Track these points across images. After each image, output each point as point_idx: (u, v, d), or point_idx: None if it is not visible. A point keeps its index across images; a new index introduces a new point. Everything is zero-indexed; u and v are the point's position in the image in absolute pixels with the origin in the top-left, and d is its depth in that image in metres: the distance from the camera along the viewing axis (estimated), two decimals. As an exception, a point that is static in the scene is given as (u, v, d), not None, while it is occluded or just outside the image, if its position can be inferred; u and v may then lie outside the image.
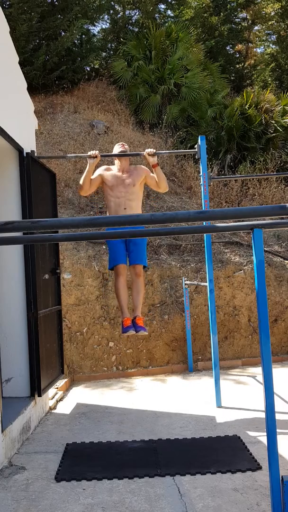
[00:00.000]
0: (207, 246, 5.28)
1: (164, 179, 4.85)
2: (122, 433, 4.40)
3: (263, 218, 5.49)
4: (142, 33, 12.13)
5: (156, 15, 13.84)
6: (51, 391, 5.59)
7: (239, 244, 8.04)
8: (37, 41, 10.97)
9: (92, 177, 4.82)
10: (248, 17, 15.12)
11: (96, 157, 4.79)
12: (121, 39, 12.60)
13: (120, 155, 4.85)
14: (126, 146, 5.00)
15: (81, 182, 4.80)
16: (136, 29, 13.00)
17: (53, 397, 5.50)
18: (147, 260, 4.95)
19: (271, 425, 2.42)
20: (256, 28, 15.65)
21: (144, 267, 4.87)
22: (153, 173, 4.87)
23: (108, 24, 13.44)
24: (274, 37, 15.85)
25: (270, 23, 15.20)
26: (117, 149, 4.94)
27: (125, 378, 6.57)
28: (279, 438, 2.55)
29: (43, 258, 4.94)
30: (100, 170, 4.89)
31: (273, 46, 15.90)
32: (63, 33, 11.12)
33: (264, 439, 3.98)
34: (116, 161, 4.89)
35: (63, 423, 4.76)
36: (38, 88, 10.90)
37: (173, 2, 14.25)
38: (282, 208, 2.35)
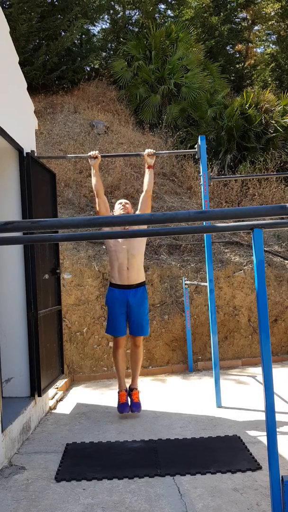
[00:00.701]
0: (207, 246, 5.28)
1: (152, 181, 4.91)
2: (122, 433, 4.40)
3: (263, 218, 5.50)
4: (142, 33, 12.13)
5: (156, 15, 13.84)
6: (51, 391, 5.59)
7: (239, 244, 8.04)
8: (37, 41, 10.97)
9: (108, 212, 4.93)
10: (248, 17, 15.13)
11: (96, 157, 4.84)
12: (121, 39, 12.60)
13: (120, 156, 4.89)
14: (128, 206, 4.94)
15: (93, 187, 4.88)
16: (136, 29, 13.01)
17: (53, 397, 5.50)
18: (149, 325, 5.01)
19: (271, 425, 2.42)
20: (256, 28, 15.66)
21: (147, 334, 4.99)
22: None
23: (108, 24, 13.45)
24: (274, 37, 15.86)
25: (270, 23, 15.21)
26: (117, 208, 4.92)
27: (125, 378, 6.55)
28: (279, 438, 2.55)
29: (43, 258, 4.94)
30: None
31: (273, 46, 15.91)
32: (63, 33, 11.12)
33: (264, 439, 3.98)
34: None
35: (63, 423, 4.76)
36: (38, 88, 10.90)
37: (173, 2, 14.25)
38: (282, 208, 2.35)
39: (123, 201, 4.98)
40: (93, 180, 4.83)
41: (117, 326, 4.82)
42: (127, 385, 5.08)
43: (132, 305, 4.80)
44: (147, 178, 4.87)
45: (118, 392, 4.91)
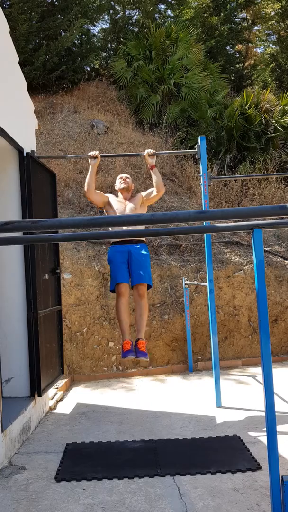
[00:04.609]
0: (207, 246, 5.28)
1: (161, 180, 4.91)
2: (122, 433, 4.40)
3: (263, 218, 5.50)
4: (142, 33, 12.13)
5: (156, 15, 13.83)
6: (51, 391, 5.60)
7: (239, 244, 8.04)
8: (37, 41, 10.96)
9: (103, 194, 4.97)
10: (248, 17, 15.12)
11: (96, 157, 4.84)
12: (121, 39, 12.60)
13: (120, 156, 4.89)
14: (128, 180, 5.02)
15: (85, 184, 4.85)
16: (136, 29, 12.99)
17: (53, 397, 5.50)
18: (151, 278, 4.82)
19: (271, 425, 2.42)
20: (256, 28, 15.64)
21: (149, 287, 4.73)
22: (152, 173, 4.91)
23: (108, 24, 13.44)
24: (274, 37, 15.85)
25: (270, 23, 15.19)
26: (118, 183, 5.01)
27: (125, 378, 6.57)
28: (279, 438, 2.55)
29: (43, 258, 4.94)
30: (109, 194, 5.06)
31: (273, 46, 15.90)
32: (63, 33, 11.12)
33: (264, 439, 3.98)
34: (119, 194, 5.00)
35: (63, 423, 4.76)
36: (38, 88, 10.90)
37: (173, 2, 14.24)
38: (282, 208, 2.35)
39: (124, 175, 5.07)
40: (88, 179, 4.79)
41: (119, 273, 4.60)
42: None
43: (134, 254, 4.66)
44: (155, 178, 4.87)
45: (122, 344, 4.51)
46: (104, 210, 4.99)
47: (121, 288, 4.60)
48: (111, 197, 4.97)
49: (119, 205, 4.87)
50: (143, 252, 4.73)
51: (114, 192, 5.16)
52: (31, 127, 5.19)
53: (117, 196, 5.03)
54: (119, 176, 5.08)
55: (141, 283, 4.62)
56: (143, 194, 4.99)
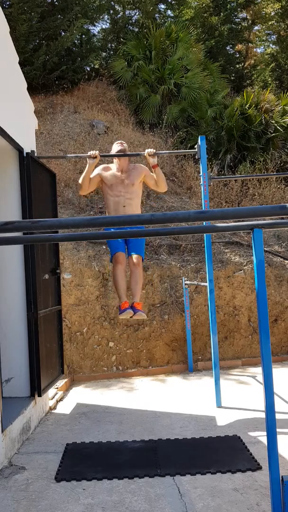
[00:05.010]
0: (207, 246, 5.28)
1: (163, 180, 4.85)
2: (122, 433, 4.40)
3: (263, 218, 5.50)
4: (142, 33, 12.13)
5: (156, 15, 13.83)
6: (51, 391, 5.60)
7: (239, 244, 8.04)
8: (37, 41, 10.96)
9: (91, 176, 4.82)
10: (248, 17, 15.12)
11: (96, 157, 4.81)
12: (121, 39, 12.59)
13: (119, 155, 4.86)
14: (125, 144, 5.01)
15: (80, 181, 4.83)
16: (136, 29, 12.99)
17: (53, 397, 5.50)
18: (144, 255, 4.90)
19: (271, 425, 2.42)
20: (256, 28, 15.64)
21: (142, 260, 4.81)
22: (152, 172, 4.88)
23: (108, 24, 13.44)
24: (274, 37, 15.85)
25: (270, 23, 15.19)
26: (115, 147, 4.96)
27: (125, 378, 6.57)
28: (279, 438, 2.55)
29: (43, 258, 4.94)
30: (98, 170, 4.88)
31: (273, 46, 15.90)
32: (63, 33, 11.12)
33: (264, 439, 3.98)
34: (115, 160, 4.90)
35: (63, 423, 4.77)
36: (38, 88, 10.89)
37: (173, 2, 14.23)
38: (282, 208, 2.35)
39: (120, 141, 5.08)
40: (85, 178, 4.76)
41: (116, 244, 4.68)
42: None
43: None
44: (156, 178, 4.82)
45: (119, 305, 4.57)
46: (101, 190, 4.95)
47: (118, 256, 4.68)
48: (103, 173, 4.84)
49: (114, 179, 4.77)
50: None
51: (111, 163, 5.07)
52: (31, 127, 5.19)
53: (112, 164, 4.94)
54: (117, 142, 5.03)
55: (137, 254, 4.72)
56: (150, 174, 4.88)
